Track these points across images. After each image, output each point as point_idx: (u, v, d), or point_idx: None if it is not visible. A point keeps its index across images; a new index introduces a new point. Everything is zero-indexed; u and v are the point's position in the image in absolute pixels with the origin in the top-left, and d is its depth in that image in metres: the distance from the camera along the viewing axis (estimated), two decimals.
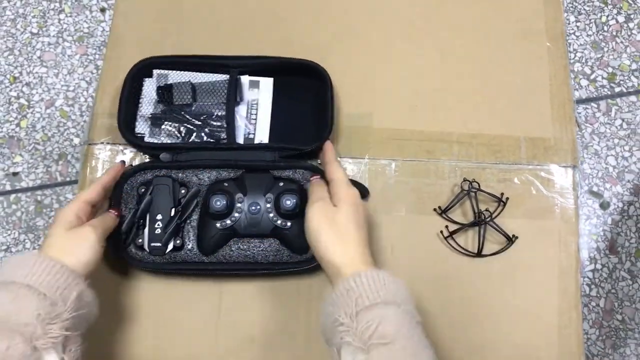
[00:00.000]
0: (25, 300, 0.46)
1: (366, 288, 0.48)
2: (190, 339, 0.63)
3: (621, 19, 1.08)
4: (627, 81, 1.04)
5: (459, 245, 0.65)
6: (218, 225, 0.61)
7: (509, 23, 0.75)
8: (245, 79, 0.69)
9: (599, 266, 0.95)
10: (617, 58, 1.05)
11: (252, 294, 0.64)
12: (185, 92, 0.67)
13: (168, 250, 0.61)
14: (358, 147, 0.69)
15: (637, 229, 0.97)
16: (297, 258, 0.62)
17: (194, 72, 0.69)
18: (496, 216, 0.66)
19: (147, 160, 0.68)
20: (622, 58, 1.05)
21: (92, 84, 0.98)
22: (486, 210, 0.66)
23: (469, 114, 0.71)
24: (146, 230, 0.61)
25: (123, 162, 0.65)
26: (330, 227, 0.53)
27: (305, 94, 0.69)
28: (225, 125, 0.67)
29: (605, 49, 1.06)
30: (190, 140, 0.66)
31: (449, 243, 0.66)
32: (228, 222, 0.61)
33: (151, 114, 0.67)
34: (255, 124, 0.69)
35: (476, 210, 0.66)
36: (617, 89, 1.03)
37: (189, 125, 0.67)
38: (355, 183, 0.63)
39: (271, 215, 0.61)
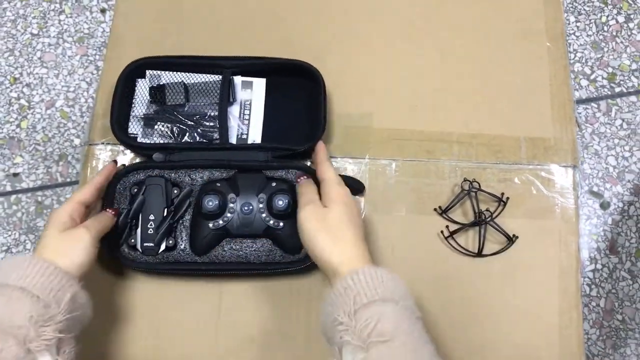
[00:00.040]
0: (18, 302, 0.46)
1: (364, 285, 0.47)
2: (187, 339, 0.63)
3: (621, 19, 1.08)
4: (627, 81, 1.04)
5: (460, 245, 0.65)
6: (210, 225, 0.61)
7: (509, 23, 0.75)
8: (238, 80, 0.70)
9: (599, 266, 0.95)
10: (617, 58, 1.05)
11: (248, 294, 0.64)
12: (178, 92, 0.68)
13: (161, 250, 0.62)
14: (358, 147, 0.69)
15: (637, 229, 0.97)
16: (289, 258, 0.62)
17: (187, 73, 0.69)
18: (496, 216, 0.66)
19: (140, 160, 0.68)
20: (622, 58, 1.05)
21: (93, 84, 0.98)
22: (486, 210, 0.66)
23: (469, 114, 0.71)
24: (139, 230, 0.61)
25: (115, 161, 0.65)
26: (324, 228, 0.53)
27: (298, 94, 0.69)
28: (218, 126, 0.67)
29: (605, 49, 1.06)
30: (183, 141, 0.67)
31: (449, 243, 0.66)
32: (220, 222, 0.61)
33: (144, 115, 0.68)
34: (248, 124, 0.69)
35: (476, 210, 0.66)
36: (617, 89, 1.03)
37: (181, 126, 0.67)
38: (349, 179, 0.63)
39: (264, 215, 0.61)
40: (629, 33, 1.06)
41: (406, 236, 0.66)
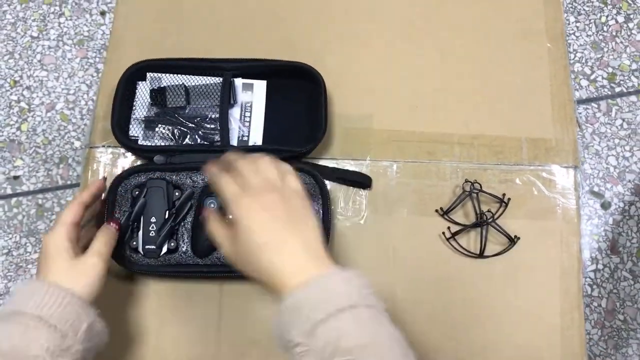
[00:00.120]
0: (35, 332, 0.45)
1: (316, 298, 0.43)
2: (189, 341, 0.63)
3: (621, 19, 1.08)
4: (627, 81, 1.04)
5: (461, 247, 0.65)
6: None
7: (509, 23, 0.75)
8: (238, 82, 0.70)
9: (600, 266, 0.95)
10: (617, 58, 1.05)
11: (250, 296, 0.64)
12: (178, 94, 0.67)
13: (162, 252, 0.61)
14: (359, 148, 0.69)
15: (638, 228, 0.97)
16: None
17: (188, 75, 0.69)
18: (498, 217, 0.66)
19: (141, 162, 0.67)
20: (622, 58, 1.05)
21: (93, 87, 0.98)
22: (488, 211, 0.66)
23: (469, 114, 0.71)
24: (140, 232, 0.61)
25: (105, 178, 0.62)
26: (242, 254, 0.47)
27: (299, 95, 0.69)
28: (219, 128, 0.67)
29: (605, 49, 1.06)
30: (184, 143, 0.66)
31: (450, 244, 0.65)
32: None
33: (145, 117, 0.67)
34: (249, 126, 0.69)
35: (478, 211, 0.66)
36: (617, 89, 1.03)
37: (182, 128, 0.67)
38: (355, 174, 0.63)
39: None
40: (629, 33, 1.06)
41: (408, 238, 0.66)
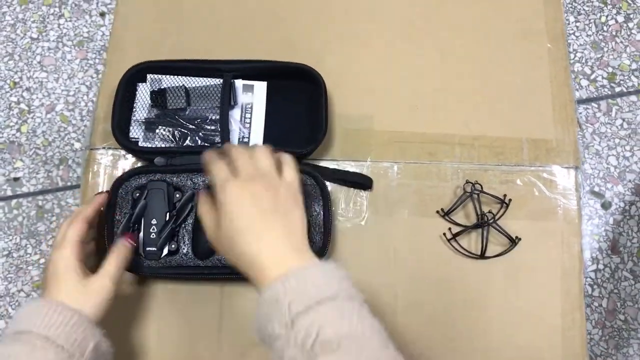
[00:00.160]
0: (42, 351, 0.45)
1: (295, 289, 0.42)
2: (190, 343, 0.63)
3: (621, 18, 1.08)
4: (627, 81, 1.04)
5: (462, 247, 0.65)
6: None
7: (509, 23, 0.75)
8: (239, 83, 0.69)
9: (601, 266, 0.95)
10: (617, 58, 1.05)
11: (251, 298, 0.64)
12: (179, 96, 0.67)
13: (163, 254, 0.61)
14: (360, 149, 0.69)
15: (639, 228, 0.97)
16: None
17: (188, 77, 0.69)
18: (499, 218, 0.66)
19: (141, 164, 0.67)
20: (622, 58, 1.05)
21: (93, 88, 0.98)
22: (489, 212, 0.66)
23: (469, 114, 0.71)
24: (141, 234, 0.61)
25: (108, 192, 0.62)
26: (224, 238, 0.48)
27: (299, 97, 0.69)
28: (219, 129, 0.67)
29: (605, 49, 1.06)
30: (185, 145, 0.66)
31: (452, 245, 0.65)
32: None
33: (145, 119, 0.67)
34: (250, 127, 0.69)
35: (479, 212, 0.66)
36: (617, 89, 1.03)
37: (183, 130, 0.67)
38: (355, 175, 0.63)
39: None
40: (629, 33, 1.06)
41: (409, 239, 0.66)
